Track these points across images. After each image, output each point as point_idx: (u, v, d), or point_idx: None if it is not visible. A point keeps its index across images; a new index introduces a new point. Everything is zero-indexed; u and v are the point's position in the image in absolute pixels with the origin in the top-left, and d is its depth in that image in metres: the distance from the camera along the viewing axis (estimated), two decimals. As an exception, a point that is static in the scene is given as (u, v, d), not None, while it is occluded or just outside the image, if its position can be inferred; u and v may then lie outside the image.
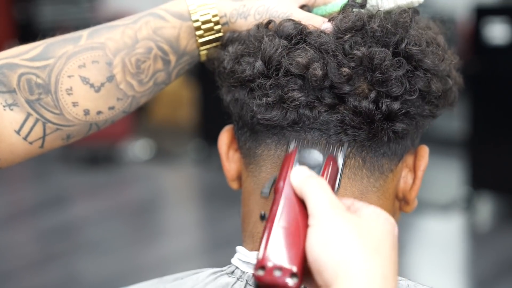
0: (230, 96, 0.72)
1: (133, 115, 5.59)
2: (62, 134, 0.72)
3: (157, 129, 6.14)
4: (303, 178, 0.59)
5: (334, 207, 0.56)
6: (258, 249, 0.68)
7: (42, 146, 0.71)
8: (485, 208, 3.84)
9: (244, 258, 0.68)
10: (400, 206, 0.76)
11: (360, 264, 0.52)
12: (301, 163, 0.62)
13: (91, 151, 5.33)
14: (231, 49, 0.71)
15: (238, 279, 0.67)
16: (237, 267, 0.69)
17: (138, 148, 5.50)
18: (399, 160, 0.71)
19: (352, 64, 0.64)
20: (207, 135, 4.96)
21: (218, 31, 0.73)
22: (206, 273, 0.69)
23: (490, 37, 3.68)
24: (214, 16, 0.73)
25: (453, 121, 5.07)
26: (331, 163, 0.63)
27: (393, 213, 0.73)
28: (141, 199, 4.66)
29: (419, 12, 0.71)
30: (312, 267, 0.54)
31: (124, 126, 5.39)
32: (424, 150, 0.74)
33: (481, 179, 3.78)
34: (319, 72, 0.63)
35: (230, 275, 0.68)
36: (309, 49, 0.65)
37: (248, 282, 0.66)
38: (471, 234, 3.73)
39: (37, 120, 0.70)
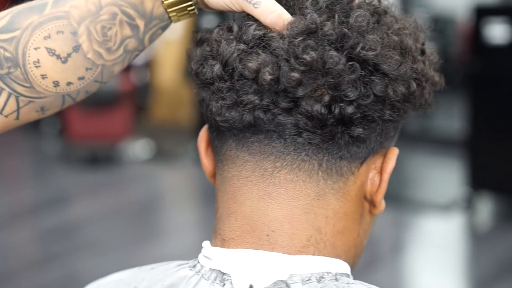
0: (198, 96, 0.73)
1: (133, 115, 5.60)
2: (36, 106, 0.71)
3: (157, 129, 6.15)
4: None
5: None
6: (218, 245, 0.69)
7: (17, 118, 0.71)
8: (485, 208, 3.84)
9: (205, 253, 0.70)
10: (369, 208, 0.75)
11: None
12: None
13: (91, 151, 5.34)
14: (198, 51, 0.71)
15: (196, 273, 0.68)
16: (198, 261, 0.70)
17: (138, 148, 5.50)
18: (362, 163, 0.70)
19: (302, 69, 0.64)
20: (207, 135, 4.96)
21: None
22: (173, 264, 0.71)
23: (490, 37, 3.68)
24: None
25: (453, 121, 5.08)
26: None
27: (360, 215, 0.73)
28: (141, 199, 4.66)
29: (387, 13, 0.70)
30: None
31: (124, 126, 5.40)
32: (392, 153, 0.73)
33: (481, 179, 3.78)
34: (267, 77, 0.64)
35: (191, 268, 0.69)
36: (262, 53, 0.65)
37: (204, 276, 0.68)
38: (471, 234, 3.74)
39: (10, 94, 0.69)
